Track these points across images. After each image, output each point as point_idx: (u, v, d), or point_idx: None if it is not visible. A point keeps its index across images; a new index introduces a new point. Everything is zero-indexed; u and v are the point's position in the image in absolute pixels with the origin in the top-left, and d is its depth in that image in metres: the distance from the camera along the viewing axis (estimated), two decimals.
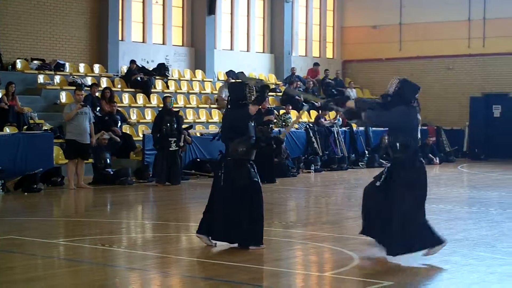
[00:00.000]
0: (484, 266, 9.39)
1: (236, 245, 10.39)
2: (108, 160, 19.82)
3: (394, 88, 10.16)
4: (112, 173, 19.48)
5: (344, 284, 8.50)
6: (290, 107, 26.96)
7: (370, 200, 10.17)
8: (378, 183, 10.03)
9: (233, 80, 22.66)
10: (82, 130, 18.11)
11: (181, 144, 19.83)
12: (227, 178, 10.38)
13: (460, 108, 31.81)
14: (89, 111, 18.54)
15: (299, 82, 29.93)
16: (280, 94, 29.41)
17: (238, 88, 10.72)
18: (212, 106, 26.87)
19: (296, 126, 24.56)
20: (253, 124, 10.61)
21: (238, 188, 10.32)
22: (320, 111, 27.95)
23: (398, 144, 9.97)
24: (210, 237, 10.53)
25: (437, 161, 28.02)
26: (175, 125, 19.57)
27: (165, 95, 21.97)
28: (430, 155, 28.18)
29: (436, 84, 32.38)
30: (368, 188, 10.30)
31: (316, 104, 28.26)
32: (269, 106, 23.39)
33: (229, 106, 10.69)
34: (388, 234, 9.73)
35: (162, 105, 21.22)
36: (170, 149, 19.42)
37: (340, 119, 27.10)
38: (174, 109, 20.64)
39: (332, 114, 28.31)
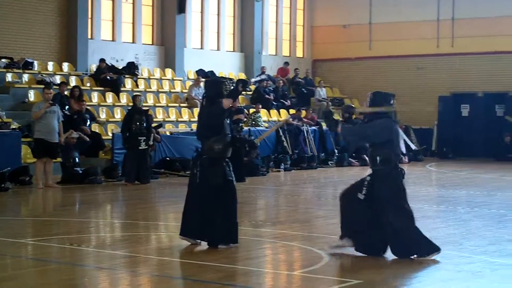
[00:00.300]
0: (451, 265, 9.46)
1: (201, 243, 10.41)
2: (77, 159, 19.71)
3: (367, 103, 10.19)
4: (81, 172, 19.37)
5: (313, 283, 8.53)
6: (260, 106, 27.01)
7: (357, 215, 10.01)
8: (361, 196, 9.97)
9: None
10: (51, 129, 17.99)
11: (151, 143, 19.77)
12: (202, 176, 10.36)
13: (429, 107, 31.98)
14: (58, 109, 18.43)
15: (269, 81, 29.99)
16: (250, 93, 29.43)
17: (215, 85, 10.70)
18: (182, 105, 26.81)
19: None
20: (228, 122, 10.59)
21: (213, 187, 10.32)
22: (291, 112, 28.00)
23: (378, 158, 10.00)
24: (190, 237, 10.49)
25: (406, 160, 28.15)
26: (144, 124, 19.50)
27: (134, 94, 21.89)
28: None
29: (405, 83, 32.53)
30: (351, 201, 10.13)
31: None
32: (239, 105, 23.42)
33: (204, 103, 10.66)
34: (397, 243, 9.77)
35: (131, 104, 21.15)
36: (140, 148, 19.35)
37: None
38: (144, 108, 20.59)
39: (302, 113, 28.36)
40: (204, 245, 10.39)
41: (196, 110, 26.36)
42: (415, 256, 9.73)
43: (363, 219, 9.94)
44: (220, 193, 10.35)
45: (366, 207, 9.92)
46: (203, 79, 27.69)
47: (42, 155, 18.02)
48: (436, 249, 9.80)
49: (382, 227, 9.85)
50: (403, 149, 10.48)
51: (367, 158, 26.04)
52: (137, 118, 19.47)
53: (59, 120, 18.22)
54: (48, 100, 18.23)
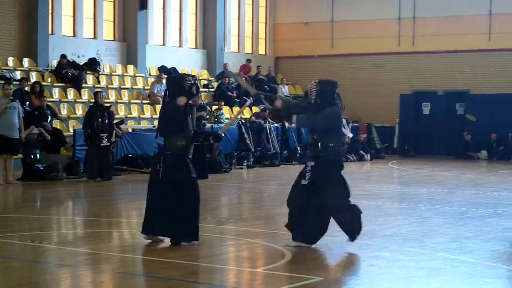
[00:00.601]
0: (413, 262, 9.53)
1: (163, 240, 10.38)
2: (37, 155, 19.54)
3: (315, 93, 10.45)
4: (42, 168, 19.22)
5: (275, 280, 8.55)
6: (223, 103, 26.99)
7: (300, 202, 10.37)
8: (305, 182, 10.15)
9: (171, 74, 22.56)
10: (11, 125, 17.81)
11: (113, 139, 19.67)
12: (165, 173, 10.31)
13: (391, 105, 32.20)
14: (18, 105, 18.25)
15: (231, 79, 29.97)
16: (213, 90, 29.42)
17: (176, 81, 10.68)
18: (144, 101, 26.71)
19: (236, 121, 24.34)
20: (190, 117, 10.55)
21: (176, 183, 10.29)
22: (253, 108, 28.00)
23: (320, 144, 10.28)
24: (154, 235, 10.45)
25: (368, 157, 28.36)
26: (106, 121, 19.40)
27: (96, 90, 21.76)
28: (361, 151, 28.53)
29: (367, 81, 32.72)
30: (296, 190, 10.53)
31: (250, 93, 28.25)
32: (202, 102, 23.38)
33: (166, 100, 10.62)
34: (343, 224, 10.38)
35: (93, 100, 21.01)
36: (102, 144, 19.25)
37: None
38: (106, 105, 20.47)
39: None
40: (166, 243, 10.35)
41: (158, 107, 26.28)
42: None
43: (306, 206, 10.25)
44: (183, 190, 10.33)
45: (309, 194, 10.24)
46: (165, 76, 27.68)
47: (2, 151, 17.83)
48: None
49: (322, 213, 10.24)
50: (349, 134, 10.85)
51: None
52: (99, 115, 19.35)
53: (19, 116, 18.04)
54: (8, 95, 18.04)
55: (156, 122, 24.59)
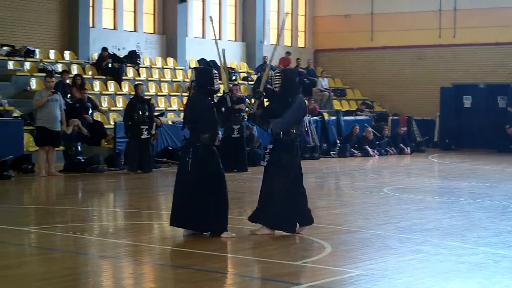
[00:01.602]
0: (454, 256, 9.46)
1: (203, 233, 10.40)
2: (79, 147, 19.72)
3: (279, 82, 10.71)
4: (83, 160, 19.38)
5: (315, 273, 8.53)
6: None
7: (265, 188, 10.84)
8: (263, 163, 10.59)
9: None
10: (53, 117, 17.98)
11: (153, 132, 19.77)
12: (195, 164, 10.33)
13: (431, 98, 31.98)
14: (60, 98, 18.41)
15: (271, 71, 29.89)
16: (252, 82, 29.43)
17: (205, 72, 10.71)
18: (183, 94, 26.78)
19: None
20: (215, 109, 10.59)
21: (208, 174, 10.31)
22: None
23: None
24: (182, 227, 10.50)
25: (408, 151, 28.18)
26: (146, 113, 19.49)
27: (136, 83, 21.89)
28: (401, 145, 28.36)
29: (407, 74, 32.55)
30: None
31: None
32: (241, 94, 23.38)
33: (194, 90, 10.64)
34: (267, 211, 10.59)
35: (133, 93, 21.14)
36: (142, 137, 19.35)
37: None
38: (146, 97, 20.57)
39: None
40: (206, 235, 10.38)
41: None
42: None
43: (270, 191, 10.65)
44: (215, 180, 10.35)
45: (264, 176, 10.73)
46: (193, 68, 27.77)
47: (45, 143, 18.02)
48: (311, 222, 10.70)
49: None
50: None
51: (369, 149, 26.33)
52: (139, 107, 19.46)
53: (61, 109, 18.21)
54: (50, 88, 18.22)
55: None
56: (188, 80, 27.54)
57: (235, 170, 19.33)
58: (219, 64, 11.77)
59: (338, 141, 27.01)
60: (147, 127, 19.42)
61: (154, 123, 19.91)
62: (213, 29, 13.61)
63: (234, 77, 28.33)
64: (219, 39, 31.16)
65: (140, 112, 19.39)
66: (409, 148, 28.37)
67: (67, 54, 25.30)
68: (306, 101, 28.10)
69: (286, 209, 10.55)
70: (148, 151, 19.47)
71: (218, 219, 10.37)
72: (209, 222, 10.31)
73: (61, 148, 19.27)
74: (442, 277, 8.42)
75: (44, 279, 8.04)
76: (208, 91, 10.54)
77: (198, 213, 10.29)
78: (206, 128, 10.38)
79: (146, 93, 24.03)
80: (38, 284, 7.85)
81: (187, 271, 8.70)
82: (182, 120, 23.24)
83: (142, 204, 14.30)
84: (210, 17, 13.07)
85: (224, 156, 18.93)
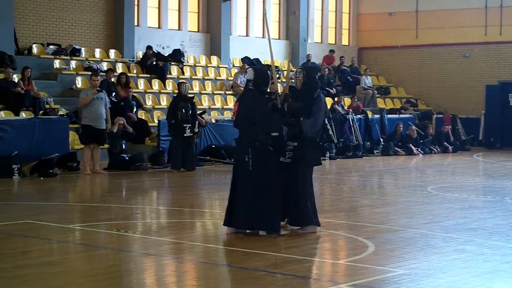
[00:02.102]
0: (499, 255, 9.37)
1: (253, 231, 10.40)
2: (123, 145, 19.88)
3: (301, 80, 10.76)
4: (127, 158, 19.53)
5: (358, 272, 8.50)
6: None
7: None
8: (284, 159, 10.67)
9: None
10: (98, 116, 18.14)
11: (196, 130, 19.84)
12: (256, 164, 10.32)
13: (476, 96, 31.68)
14: (105, 96, 18.57)
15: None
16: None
17: (263, 73, 10.72)
18: (227, 92, 26.87)
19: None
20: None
21: (269, 172, 10.34)
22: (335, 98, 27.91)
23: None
24: (241, 228, 10.49)
25: (450, 149, 27.93)
26: (189, 111, 19.58)
27: (179, 81, 21.99)
28: (445, 143, 28.14)
29: (452, 72, 32.26)
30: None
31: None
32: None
33: (249, 90, 10.59)
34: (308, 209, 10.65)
35: (177, 91, 21.23)
36: (185, 135, 19.43)
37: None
38: (189, 96, 20.66)
39: (347, 101, 28.31)
40: (249, 233, 10.38)
41: None
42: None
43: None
44: (274, 180, 10.39)
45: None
46: (249, 67, 27.73)
47: (90, 141, 18.19)
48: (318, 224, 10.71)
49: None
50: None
51: (413, 148, 26.17)
52: (183, 106, 19.54)
53: (106, 107, 18.36)
54: (95, 86, 18.38)
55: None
56: (231, 78, 27.59)
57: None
58: (270, 62, 11.86)
59: (381, 140, 26.91)
60: (190, 125, 19.50)
61: (197, 121, 19.96)
62: (266, 25, 13.50)
63: (277, 75, 28.31)
64: (263, 37, 31.20)
65: (183, 111, 19.47)
66: (452, 147, 28.12)
67: (112, 53, 25.51)
68: (349, 99, 28.19)
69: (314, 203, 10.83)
70: (191, 149, 19.55)
71: (278, 218, 10.43)
72: (269, 221, 10.31)
73: (106, 146, 19.43)
74: (486, 277, 8.34)
75: (88, 276, 8.12)
76: (264, 91, 10.59)
77: (261, 212, 10.27)
78: (267, 127, 10.40)
79: (189, 91, 24.15)
80: (82, 281, 7.93)
81: (230, 269, 8.73)
82: (227, 119, 23.45)
83: (185, 202, 14.37)
84: (264, 10, 13.12)
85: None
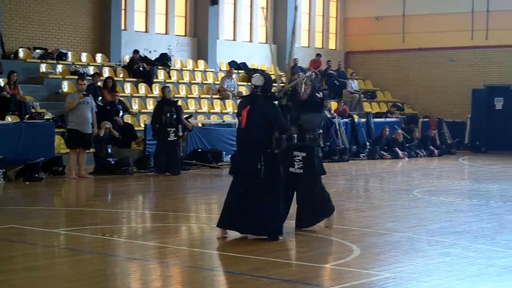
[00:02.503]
0: (484, 259, 9.40)
1: (246, 236, 10.41)
2: (109, 149, 19.83)
3: (309, 91, 11.20)
4: (113, 163, 19.48)
5: (344, 275, 8.51)
6: None
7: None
8: (292, 170, 11.03)
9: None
10: (84, 120, 18.09)
11: (180, 134, 19.73)
12: (269, 171, 10.31)
13: (462, 100, 31.78)
14: (91, 100, 18.52)
15: (301, 73, 29.88)
16: (282, 85, 29.32)
17: (269, 79, 10.73)
18: (214, 96, 26.86)
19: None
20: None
21: (279, 179, 10.42)
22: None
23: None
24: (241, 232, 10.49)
25: (436, 153, 28.00)
26: (174, 115, 19.54)
27: (163, 85, 21.97)
28: (431, 147, 28.22)
29: (438, 76, 32.36)
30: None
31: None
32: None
33: (258, 96, 10.59)
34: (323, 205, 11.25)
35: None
36: (169, 139, 19.39)
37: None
38: (173, 99, 20.64)
39: (334, 105, 28.35)
40: (234, 237, 10.37)
41: (228, 102, 26.41)
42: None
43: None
44: (282, 186, 10.50)
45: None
46: (235, 71, 27.80)
47: (75, 145, 18.13)
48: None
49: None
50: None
51: (399, 151, 26.22)
52: (167, 109, 19.51)
53: (92, 111, 18.32)
54: (81, 91, 18.33)
55: (226, 117, 24.85)
56: (218, 82, 27.57)
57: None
58: (270, 65, 12.23)
59: (367, 143, 26.95)
60: (174, 129, 19.46)
61: (181, 126, 19.90)
62: (266, 20, 13.63)
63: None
64: (250, 41, 31.22)
65: (168, 115, 19.44)
66: (438, 150, 28.19)
67: (99, 57, 25.47)
68: (336, 103, 28.21)
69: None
70: (176, 153, 19.50)
71: (282, 222, 10.49)
72: (273, 225, 10.33)
73: (92, 150, 19.38)
74: (471, 280, 8.36)
75: (73, 280, 8.10)
76: (271, 96, 10.65)
77: (264, 217, 10.27)
78: (286, 131, 10.60)
79: (176, 95, 24.17)
80: (67, 285, 7.90)
81: (215, 274, 8.73)
82: (214, 123, 23.43)
83: (170, 206, 14.34)
84: (262, 8, 13.22)
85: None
